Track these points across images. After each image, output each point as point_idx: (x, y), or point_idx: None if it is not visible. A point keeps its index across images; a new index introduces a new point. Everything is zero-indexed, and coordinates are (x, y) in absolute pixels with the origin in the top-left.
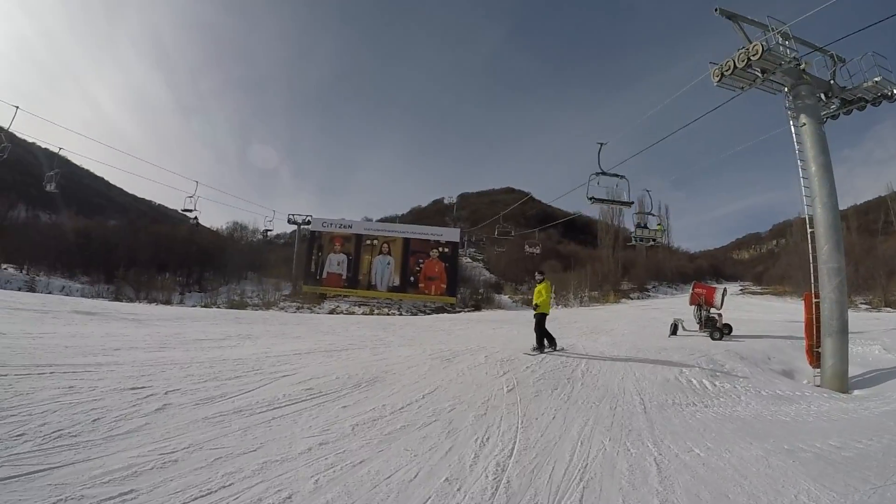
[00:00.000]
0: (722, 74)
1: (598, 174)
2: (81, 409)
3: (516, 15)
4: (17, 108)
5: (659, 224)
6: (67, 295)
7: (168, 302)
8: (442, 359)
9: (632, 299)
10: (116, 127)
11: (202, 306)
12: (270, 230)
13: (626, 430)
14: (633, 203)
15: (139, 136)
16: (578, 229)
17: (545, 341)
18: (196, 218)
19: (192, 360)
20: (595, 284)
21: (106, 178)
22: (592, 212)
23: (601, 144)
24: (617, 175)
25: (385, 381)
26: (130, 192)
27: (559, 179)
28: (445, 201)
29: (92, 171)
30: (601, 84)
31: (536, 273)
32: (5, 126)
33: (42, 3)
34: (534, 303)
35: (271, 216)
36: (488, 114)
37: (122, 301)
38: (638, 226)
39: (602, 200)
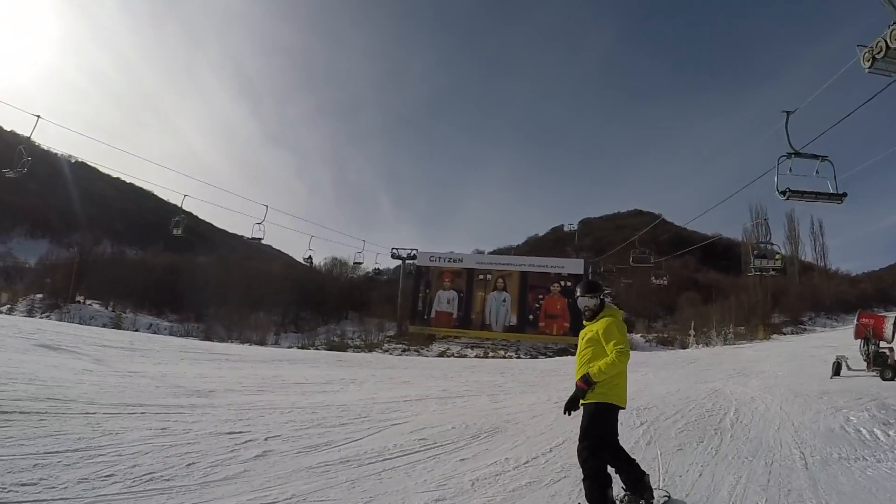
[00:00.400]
0: (873, 58)
1: (790, 155)
2: (175, 452)
3: (626, 13)
4: (38, 117)
5: (778, 255)
6: (155, 333)
7: (262, 342)
8: None
9: (784, 334)
10: (202, 159)
11: (299, 347)
12: (360, 262)
13: (785, 490)
14: (844, 196)
15: (227, 168)
16: (719, 254)
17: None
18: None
19: (294, 405)
20: (741, 318)
21: (194, 213)
22: (734, 232)
23: (788, 113)
24: (816, 156)
25: (506, 431)
26: (220, 226)
27: (693, 198)
28: (565, 228)
29: (178, 205)
30: (730, 83)
31: (581, 292)
32: (30, 140)
33: (117, 36)
34: (577, 371)
35: (361, 248)
36: (605, 128)
37: (212, 340)
38: (756, 255)
39: (801, 194)
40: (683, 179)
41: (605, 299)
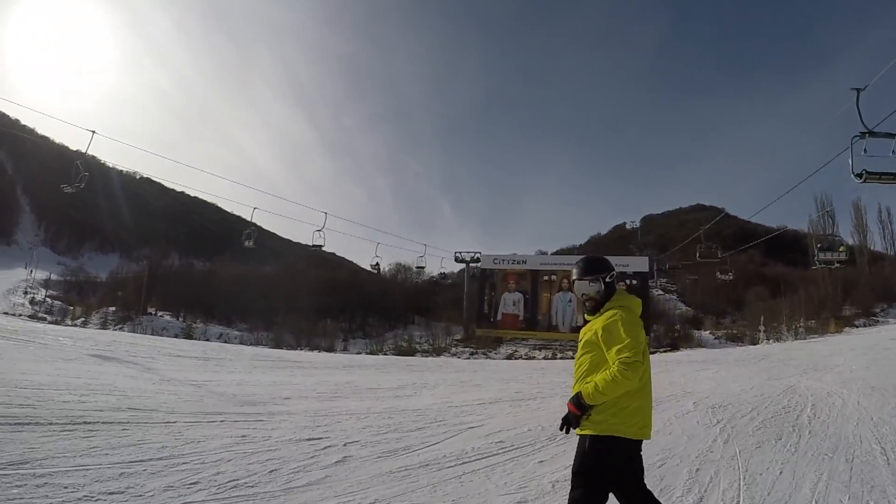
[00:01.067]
0: None
1: (863, 135)
2: (256, 459)
3: (673, 5)
4: (94, 132)
5: (843, 246)
6: (226, 342)
7: (331, 349)
8: None
9: (856, 327)
10: (261, 169)
11: (368, 353)
12: (423, 267)
13: (868, 486)
14: None
15: (286, 178)
16: (785, 247)
17: None
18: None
19: (369, 411)
20: (811, 312)
21: (259, 224)
22: (800, 223)
23: (858, 91)
24: (892, 134)
25: None
26: (284, 236)
27: (756, 190)
28: (627, 226)
29: (243, 216)
30: (785, 69)
31: (577, 274)
32: (85, 155)
33: (172, 53)
34: (573, 386)
35: (423, 252)
36: (660, 123)
37: (282, 348)
38: (820, 248)
39: (879, 176)
40: (744, 171)
41: (617, 284)
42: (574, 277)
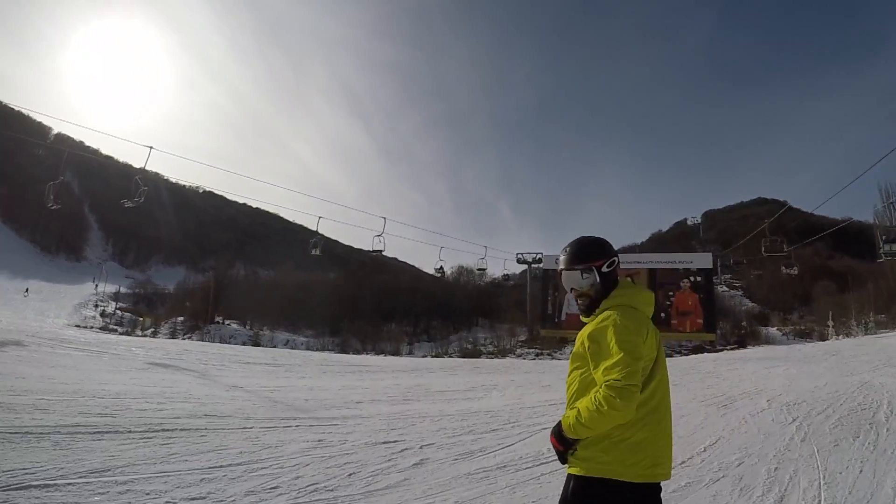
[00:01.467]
0: None
1: None
2: (334, 463)
3: None
4: (151, 148)
5: None
6: (293, 348)
7: (397, 353)
8: (717, 405)
9: None
10: (321, 178)
11: (433, 356)
12: (484, 269)
13: None
14: None
15: (346, 185)
16: (851, 239)
17: None
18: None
19: (442, 413)
20: (880, 306)
21: (321, 231)
22: (865, 214)
23: None
24: None
25: None
26: (346, 243)
27: (819, 182)
28: (689, 222)
29: (305, 225)
30: (846, 55)
31: (564, 263)
32: (144, 171)
33: (227, 70)
34: (567, 409)
35: (484, 254)
36: (716, 116)
37: (348, 353)
38: (886, 241)
39: None
40: (806, 163)
41: (619, 276)
42: (560, 267)
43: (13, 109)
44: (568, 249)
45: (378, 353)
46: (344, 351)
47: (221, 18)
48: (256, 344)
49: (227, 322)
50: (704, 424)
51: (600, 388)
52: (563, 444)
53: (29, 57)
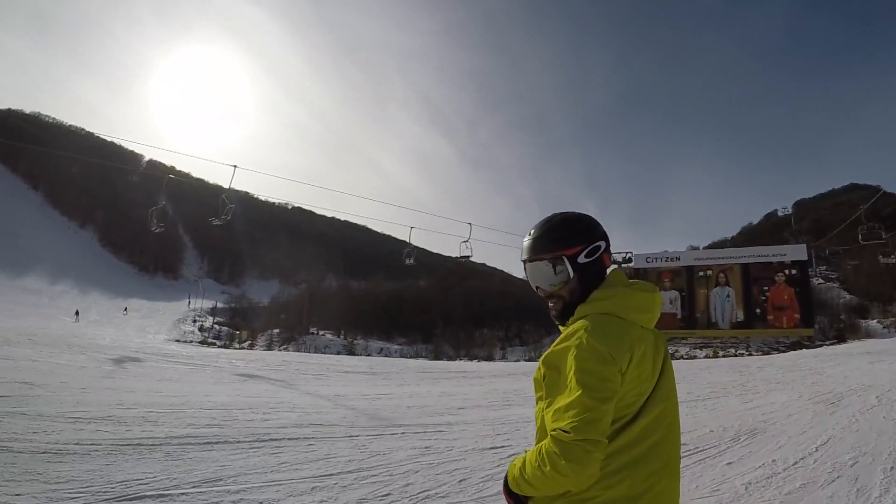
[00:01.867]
0: None
1: None
2: (443, 470)
3: None
4: (235, 167)
5: None
6: (387, 356)
7: (489, 358)
8: (825, 402)
9: None
10: (405, 188)
11: (527, 360)
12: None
13: None
14: None
15: (430, 194)
16: None
17: None
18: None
19: None
20: None
21: (409, 241)
22: None
23: None
24: None
25: (766, 432)
26: (434, 251)
27: None
28: (779, 213)
29: (393, 235)
30: None
31: (526, 252)
32: (227, 187)
33: (307, 89)
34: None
35: None
36: (801, 99)
37: (441, 359)
38: None
39: None
40: None
41: (605, 268)
42: (522, 257)
43: (105, 140)
44: (532, 233)
45: (471, 358)
46: (437, 357)
47: (297, 41)
48: (351, 353)
49: (321, 332)
50: (813, 423)
51: (544, 443)
52: (514, 499)
53: (116, 90)
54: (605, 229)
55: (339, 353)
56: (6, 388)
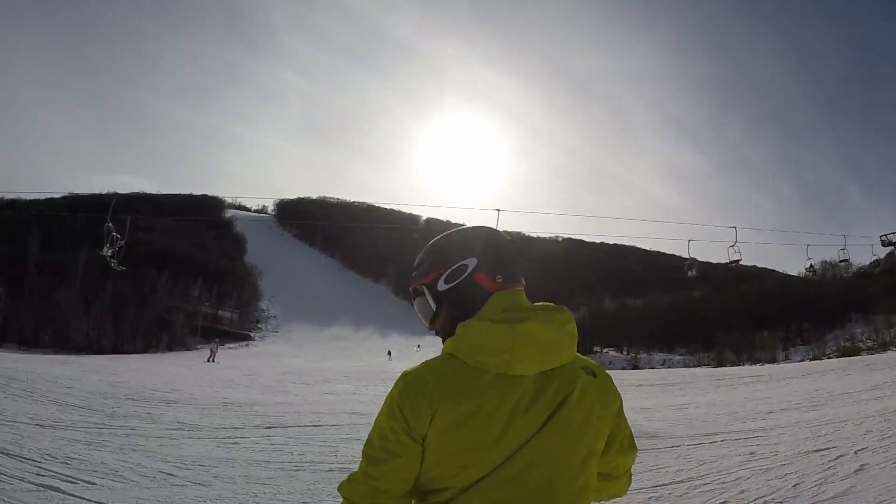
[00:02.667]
0: None
1: None
2: (774, 475)
3: None
4: (499, 210)
5: None
6: (670, 367)
7: (772, 360)
8: None
9: None
10: (663, 203)
11: (810, 359)
12: (846, 259)
13: None
14: None
15: (691, 205)
16: None
17: None
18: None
19: (861, 416)
20: None
21: (688, 255)
22: None
23: None
24: None
25: None
26: (703, 260)
27: None
28: None
29: (662, 251)
30: None
31: (415, 280)
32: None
33: (552, 131)
34: None
35: (843, 244)
36: None
37: (725, 365)
38: None
39: None
40: None
41: (483, 292)
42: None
43: (385, 209)
44: (420, 258)
45: (753, 362)
46: (720, 364)
47: (533, 90)
48: (635, 367)
49: (604, 350)
50: None
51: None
52: None
53: (386, 167)
54: (871, 210)
55: (622, 368)
56: (337, 418)
